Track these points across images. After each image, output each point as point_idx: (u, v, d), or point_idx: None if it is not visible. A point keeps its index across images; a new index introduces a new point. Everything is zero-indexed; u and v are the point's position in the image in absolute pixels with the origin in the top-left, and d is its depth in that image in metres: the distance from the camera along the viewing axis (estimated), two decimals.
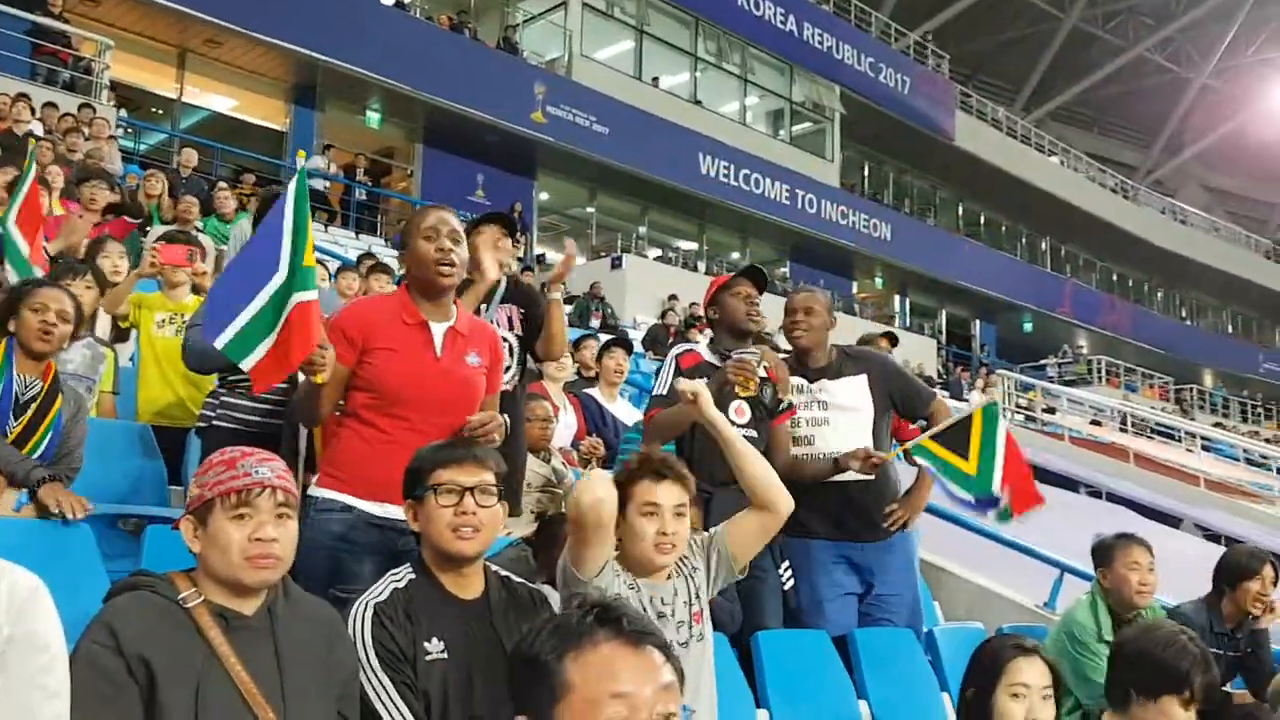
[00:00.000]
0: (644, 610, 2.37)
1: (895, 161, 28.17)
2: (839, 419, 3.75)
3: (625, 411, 5.86)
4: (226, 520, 1.90)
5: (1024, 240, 31.97)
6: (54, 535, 2.85)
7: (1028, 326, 29.84)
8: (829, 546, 3.71)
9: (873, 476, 3.58)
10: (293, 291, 2.46)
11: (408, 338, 2.71)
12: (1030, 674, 2.45)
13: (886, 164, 28.23)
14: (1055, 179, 29.62)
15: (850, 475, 3.59)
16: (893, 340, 6.34)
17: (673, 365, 3.68)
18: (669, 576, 2.54)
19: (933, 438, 3.53)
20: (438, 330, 2.75)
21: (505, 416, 2.80)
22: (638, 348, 12.92)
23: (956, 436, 3.51)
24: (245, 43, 15.53)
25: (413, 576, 2.25)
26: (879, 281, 27.50)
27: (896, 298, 28.22)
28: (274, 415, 3.36)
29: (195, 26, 15.11)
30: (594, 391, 5.81)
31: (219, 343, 2.48)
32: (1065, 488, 12.68)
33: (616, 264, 18.53)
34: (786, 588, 3.62)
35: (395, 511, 2.55)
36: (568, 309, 14.53)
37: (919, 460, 3.56)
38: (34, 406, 3.17)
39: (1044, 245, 32.37)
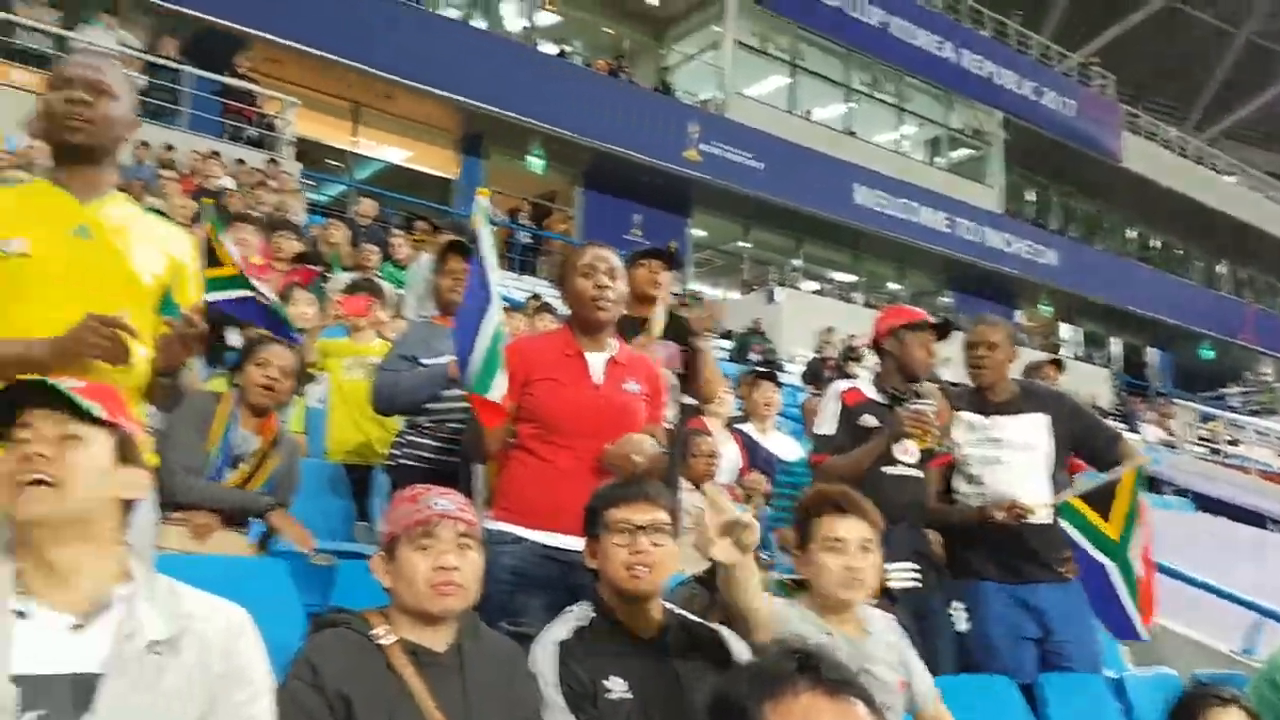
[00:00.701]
0: None
1: (1060, 185, 27.22)
2: (1013, 458, 3.56)
3: (782, 445, 5.80)
4: (411, 551, 2.00)
5: (1200, 264, 30.35)
6: (254, 570, 3.01)
7: (1206, 354, 28.23)
8: (1000, 589, 3.53)
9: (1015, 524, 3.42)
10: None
11: (567, 367, 2.78)
12: None
13: (1051, 188, 27.30)
14: (1232, 199, 28.09)
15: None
16: (1059, 366, 6.11)
17: (837, 402, 3.59)
18: (868, 632, 2.49)
19: (1080, 496, 3.38)
20: (596, 360, 2.81)
21: (656, 448, 2.77)
22: (796, 380, 12.86)
23: (1103, 496, 3.38)
24: (416, 96, 16.24)
25: (593, 615, 2.27)
26: (1045, 309, 26.53)
27: (1064, 326, 27.17)
28: (456, 453, 3.44)
29: (369, 82, 15.89)
30: (747, 426, 5.77)
31: (469, 381, 2.61)
32: (1253, 524, 11.89)
33: (771, 297, 18.47)
34: (960, 630, 3.52)
35: (564, 541, 2.59)
36: (727, 344, 14.58)
37: (1066, 525, 3.40)
38: (250, 461, 3.35)
39: (1221, 269, 30.63)
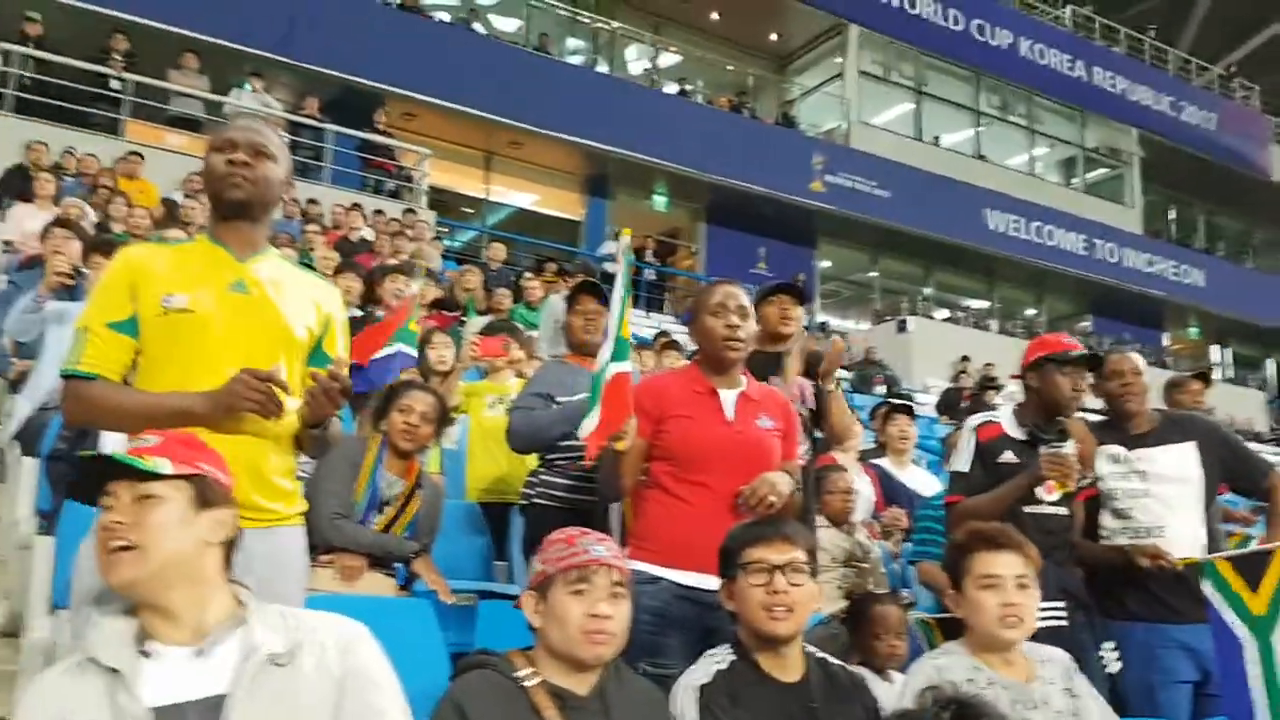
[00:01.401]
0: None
1: (1205, 203, 26.06)
2: (1164, 490, 3.38)
3: (920, 480, 5.68)
4: (566, 595, 2.01)
5: None
6: (398, 610, 3.11)
7: None
8: (1156, 629, 3.34)
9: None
10: (610, 360, 2.67)
11: (700, 404, 2.78)
12: None
13: (1195, 206, 26.15)
14: None
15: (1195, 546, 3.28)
16: (1205, 380, 5.71)
17: (972, 439, 3.43)
18: (1037, 675, 2.41)
19: (1228, 558, 3.03)
20: (728, 396, 2.81)
21: (791, 486, 2.75)
22: (930, 412, 12.60)
23: (1253, 563, 2.95)
24: (543, 142, 16.62)
25: (733, 658, 2.25)
26: (1193, 331, 25.36)
27: (1215, 348, 25.90)
28: (590, 491, 3.44)
29: (499, 131, 16.36)
30: (883, 461, 5.67)
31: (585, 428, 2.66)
32: None
33: (902, 327, 18.17)
34: (1111, 672, 3.37)
35: (701, 580, 2.59)
36: (847, 375, 14.38)
37: (1206, 588, 3.03)
38: (396, 505, 3.47)
39: None
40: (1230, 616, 2.97)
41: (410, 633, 2.90)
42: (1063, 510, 3.35)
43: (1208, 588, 3.03)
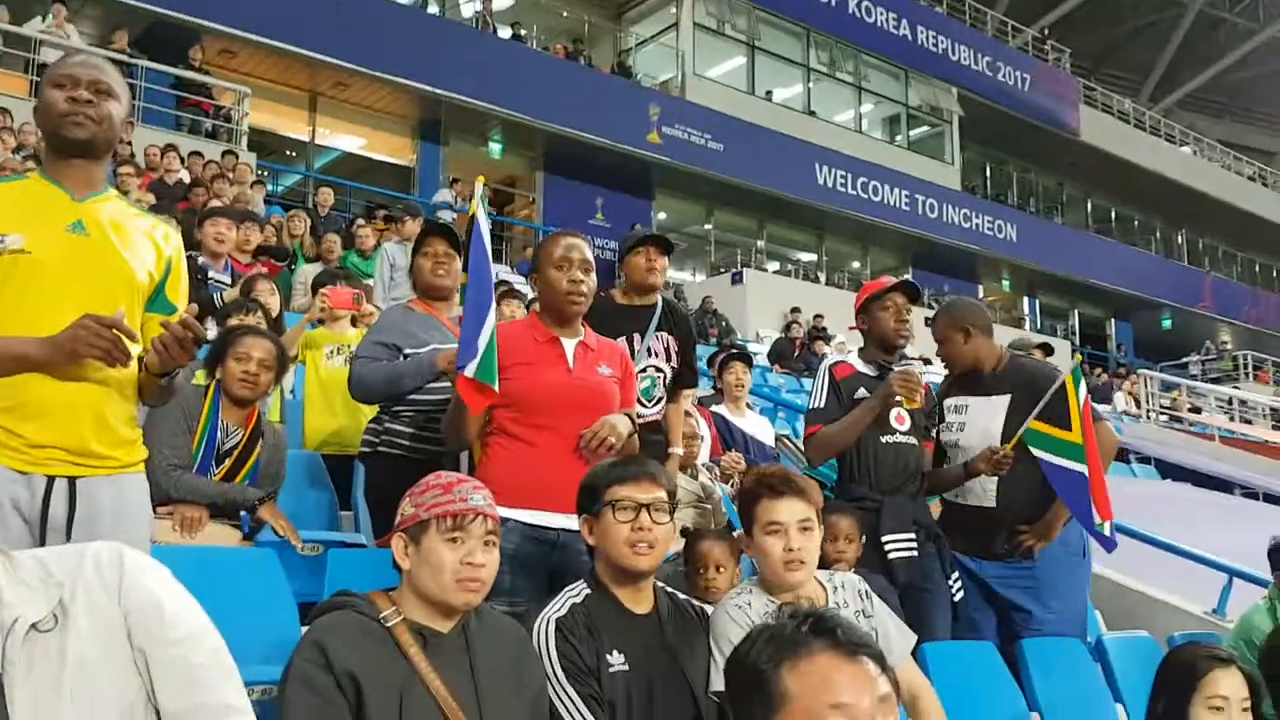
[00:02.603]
0: None
1: (1019, 161, 27.49)
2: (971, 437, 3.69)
3: (755, 425, 5.86)
4: (441, 542, 1.99)
5: (1158, 234, 30.79)
6: (244, 561, 3.02)
7: (1166, 324, 28.68)
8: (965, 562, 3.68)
9: (1003, 473, 3.49)
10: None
11: (541, 353, 2.85)
12: (1229, 685, 2.39)
13: (1009, 164, 27.57)
14: (1188, 169, 28.51)
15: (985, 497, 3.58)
16: (1047, 350, 6.14)
17: (827, 377, 3.67)
18: (827, 604, 2.50)
19: (1038, 418, 3.43)
20: (569, 344, 2.90)
21: (629, 428, 2.87)
22: (763, 361, 12.94)
23: (1057, 411, 3.42)
24: (371, 83, 16.09)
25: (589, 591, 2.32)
26: (1006, 284, 26.83)
27: (1025, 300, 27.48)
28: (434, 441, 3.42)
29: (324, 71, 15.73)
30: (720, 408, 5.82)
31: (469, 371, 2.62)
32: (1219, 489, 12.13)
33: (737, 279, 18.53)
34: (956, 600, 3.58)
35: (547, 519, 2.69)
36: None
37: (1034, 450, 3.44)
38: (235, 454, 3.35)
39: (1179, 239, 31.12)
40: (1062, 461, 3.41)
41: (257, 583, 2.85)
42: (914, 441, 3.53)
43: (1037, 451, 3.44)
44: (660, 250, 3.79)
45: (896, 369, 3.43)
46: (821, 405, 3.59)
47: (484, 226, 2.76)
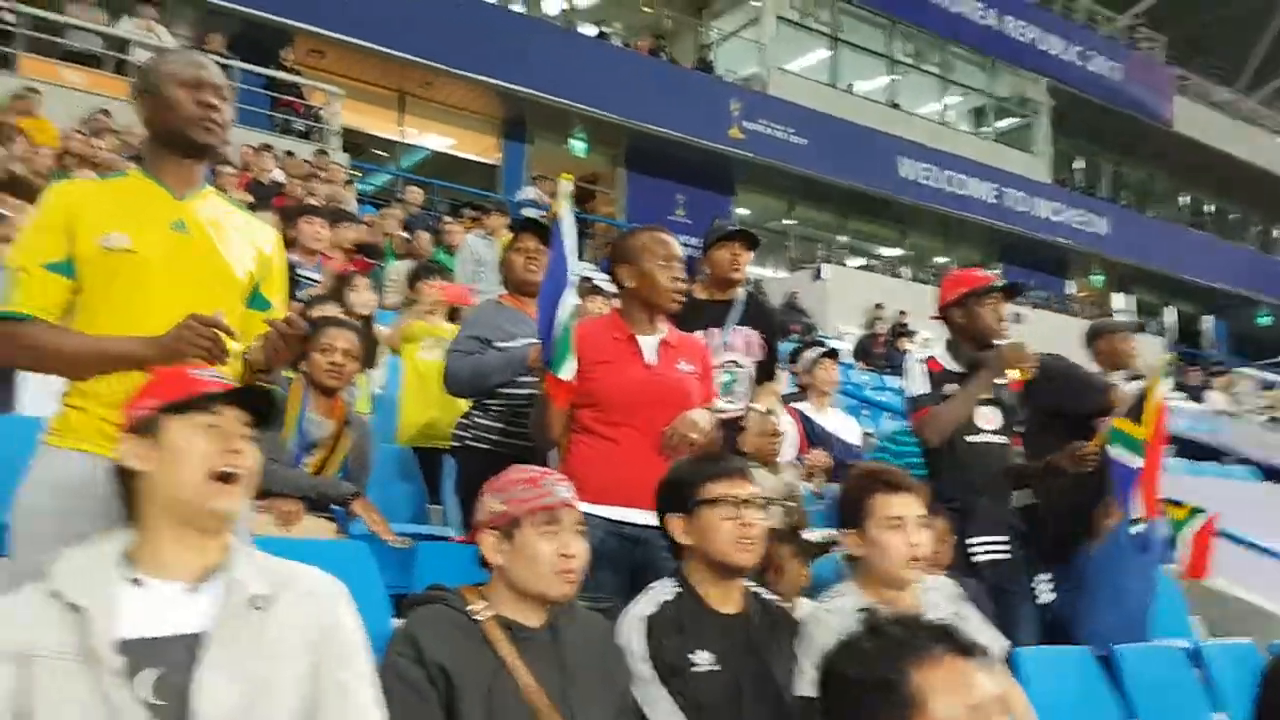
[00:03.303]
0: None
1: (1110, 153, 26.73)
2: None
3: (839, 423, 5.79)
4: (536, 536, 2.03)
5: (1255, 228, 29.70)
6: (339, 554, 3.06)
7: (1264, 320, 27.65)
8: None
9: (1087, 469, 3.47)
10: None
11: (619, 350, 2.87)
12: None
13: (1101, 156, 26.82)
14: None
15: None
16: (1137, 328, 5.97)
17: (922, 367, 3.63)
18: (919, 609, 2.46)
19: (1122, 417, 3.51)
20: (648, 341, 2.90)
21: (710, 424, 2.87)
22: (844, 358, 12.80)
23: (1135, 410, 3.50)
24: (457, 83, 16.28)
25: (678, 590, 2.32)
26: (1096, 279, 26.15)
27: (1118, 295, 26.74)
28: (522, 436, 3.43)
29: (411, 70, 15.95)
30: (803, 405, 5.75)
31: (548, 361, 2.66)
32: None
33: (817, 275, 18.37)
34: (1044, 602, 3.51)
35: (629, 515, 2.69)
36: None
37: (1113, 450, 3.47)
38: (325, 445, 3.42)
39: (1277, 232, 29.98)
40: (1126, 455, 3.47)
41: (350, 575, 2.84)
42: (1003, 440, 3.47)
43: (1119, 451, 3.48)
44: (746, 245, 3.78)
45: (1006, 342, 3.40)
46: (927, 389, 3.55)
47: (568, 223, 2.77)
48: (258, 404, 1.77)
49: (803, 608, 2.84)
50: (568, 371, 2.68)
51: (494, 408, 3.56)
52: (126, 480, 1.69)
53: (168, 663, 1.56)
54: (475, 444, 3.60)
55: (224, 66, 8.90)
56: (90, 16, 11.88)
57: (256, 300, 2.30)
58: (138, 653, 1.54)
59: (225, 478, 1.67)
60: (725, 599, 2.34)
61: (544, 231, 3.69)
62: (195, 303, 2.06)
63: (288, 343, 2.10)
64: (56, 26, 11.78)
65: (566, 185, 2.84)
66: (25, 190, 5.61)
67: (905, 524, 2.38)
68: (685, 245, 3.65)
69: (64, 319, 2.08)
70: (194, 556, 1.66)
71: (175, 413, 1.69)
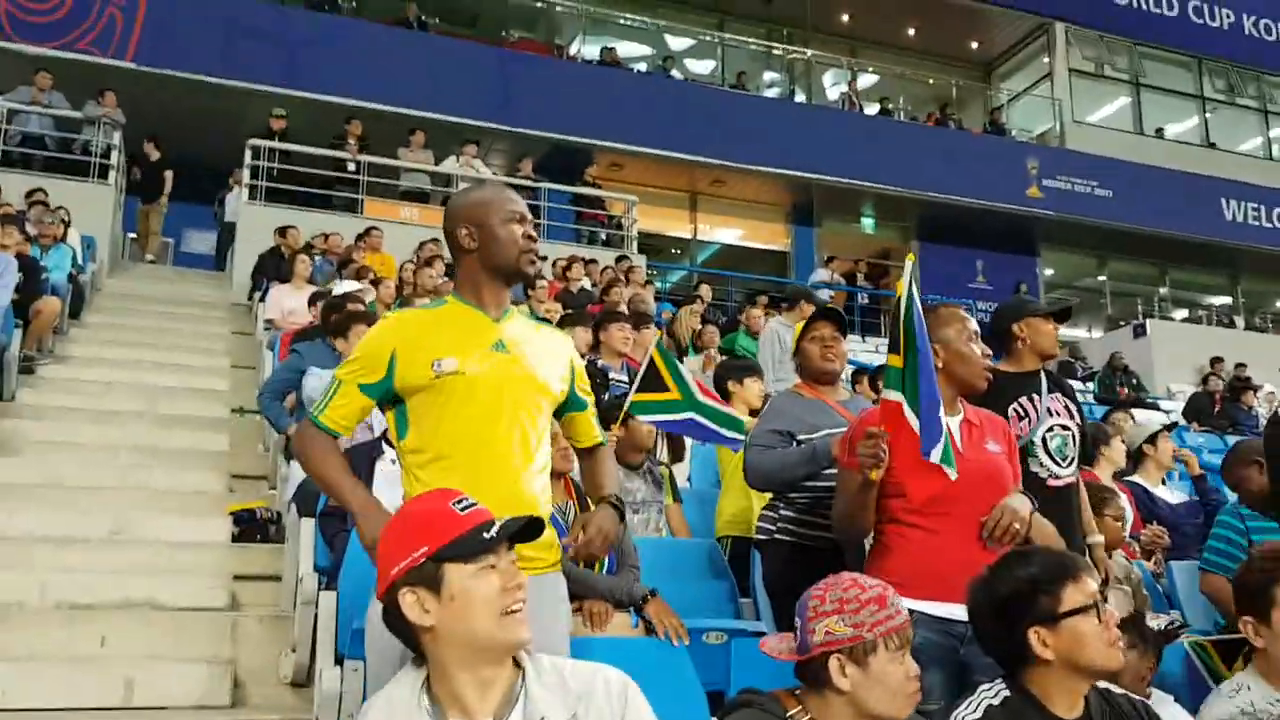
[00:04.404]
0: None
1: None
2: None
3: (1170, 495, 5.45)
4: (892, 662, 1.97)
5: None
6: (649, 650, 3.18)
7: None
8: None
9: None
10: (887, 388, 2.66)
11: None
12: None
13: None
14: None
15: None
16: None
17: None
18: None
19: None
20: (953, 422, 2.77)
21: (1030, 509, 2.72)
22: (1180, 420, 11.82)
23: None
24: (746, 177, 16.80)
25: (1007, 694, 2.14)
26: None
27: None
28: (828, 528, 3.26)
29: (702, 171, 16.67)
30: (1136, 478, 5.44)
31: (934, 457, 2.57)
32: None
33: (1139, 331, 17.16)
34: None
35: (952, 611, 2.54)
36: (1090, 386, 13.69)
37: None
38: (575, 524, 3.51)
39: None
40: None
41: (664, 674, 2.97)
42: None
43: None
44: (1059, 320, 3.63)
45: None
46: None
47: (917, 304, 2.65)
48: (526, 534, 1.79)
49: (1162, 703, 2.68)
50: (954, 470, 2.59)
51: (799, 500, 3.53)
52: (402, 623, 1.69)
53: None
54: (781, 536, 3.57)
55: (534, 187, 9.72)
56: (419, 158, 13.29)
57: (575, 402, 2.52)
58: None
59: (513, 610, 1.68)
60: (1068, 702, 2.13)
61: (839, 319, 3.67)
62: (521, 416, 2.30)
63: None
64: (392, 170, 13.26)
65: (911, 265, 2.69)
66: (372, 322, 6.31)
67: None
68: (986, 314, 3.54)
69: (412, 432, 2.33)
70: (492, 691, 1.67)
71: (456, 560, 1.67)
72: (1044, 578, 2.12)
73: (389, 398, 2.34)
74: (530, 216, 2.42)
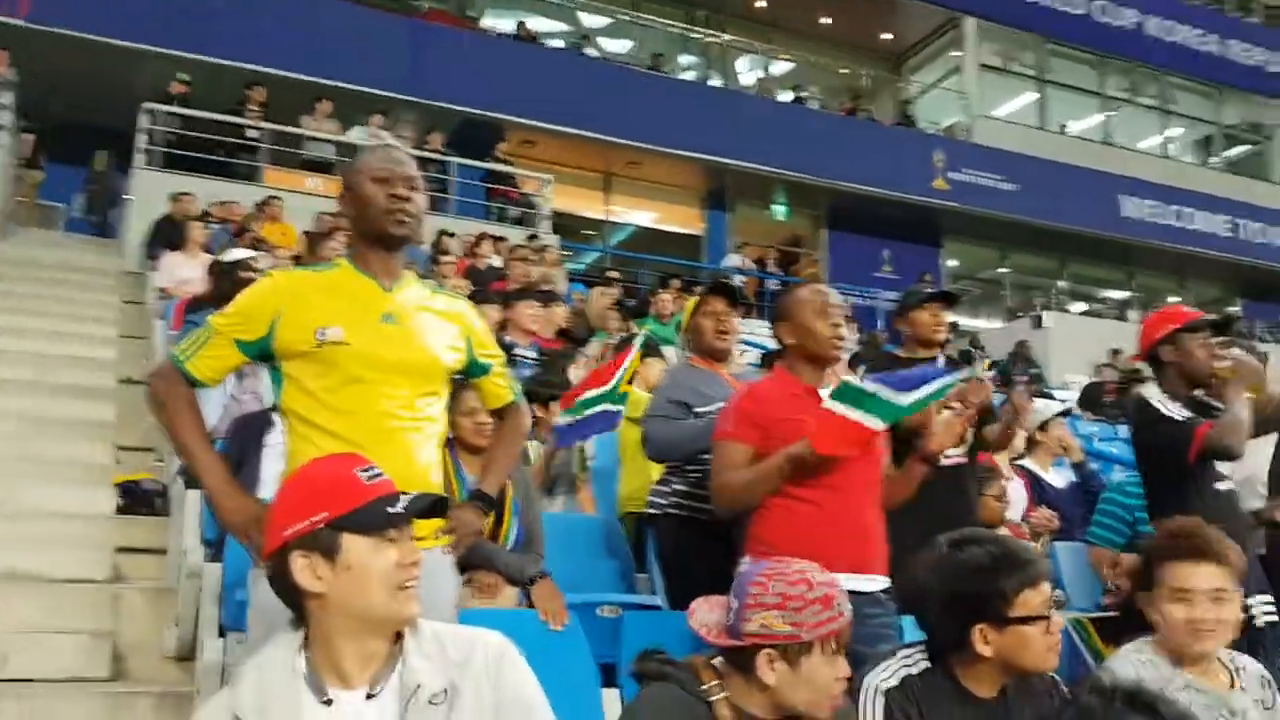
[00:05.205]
0: None
1: None
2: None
3: (1058, 479, 5.59)
4: (824, 663, 1.89)
5: None
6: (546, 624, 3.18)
7: None
8: None
9: None
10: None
11: (802, 405, 2.77)
12: None
13: None
14: None
15: None
16: None
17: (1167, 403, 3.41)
18: (1241, 687, 2.30)
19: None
20: (825, 393, 2.78)
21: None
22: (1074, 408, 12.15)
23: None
24: (661, 159, 16.76)
25: (926, 664, 2.12)
26: None
27: None
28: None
29: (618, 152, 16.58)
30: (1027, 462, 5.56)
31: (906, 401, 2.67)
32: None
33: (1038, 323, 17.62)
34: None
35: (846, 582, 2.48)
36: (991, 374, 13.98)
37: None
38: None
39: None
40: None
41: (559, 646, 2.99)
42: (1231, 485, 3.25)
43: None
44: (945, 305, 3.73)
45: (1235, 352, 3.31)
46: (1190, 413, 3.31)
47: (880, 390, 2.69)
48: (430, 511, 1.78)
49: None
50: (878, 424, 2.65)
51: (691, 473, 3.49)
52: (289, 587, 1.63)
53: None
54: (673, 510, 3.55)
55: (443, 162, 9.52)
56: (324, 127, 12.97)
57: (476, 367, 2.45)
58: None
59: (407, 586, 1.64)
60: (989, 688, 2.10)
61: (731, 293, 3.68)
62: (407, 389, 2.23)
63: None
64: (295, 139, 12.91)
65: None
66: None
67: (1193, 598, 2.22)
68: (890, 301, 3.63)
69: (295, 401, 2.25)
70: (373, 661, 1.64)
71: (355, 531, 1.61)
72: (1006, 582, 2.03)
73: (264, 356, 2.27)
74: (408, 176, 2.30)
